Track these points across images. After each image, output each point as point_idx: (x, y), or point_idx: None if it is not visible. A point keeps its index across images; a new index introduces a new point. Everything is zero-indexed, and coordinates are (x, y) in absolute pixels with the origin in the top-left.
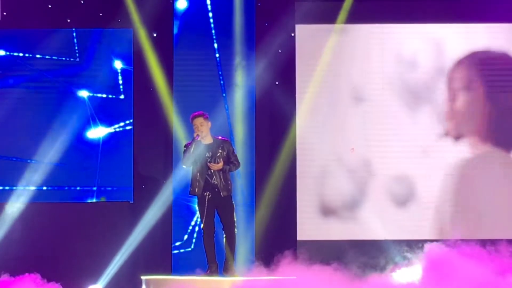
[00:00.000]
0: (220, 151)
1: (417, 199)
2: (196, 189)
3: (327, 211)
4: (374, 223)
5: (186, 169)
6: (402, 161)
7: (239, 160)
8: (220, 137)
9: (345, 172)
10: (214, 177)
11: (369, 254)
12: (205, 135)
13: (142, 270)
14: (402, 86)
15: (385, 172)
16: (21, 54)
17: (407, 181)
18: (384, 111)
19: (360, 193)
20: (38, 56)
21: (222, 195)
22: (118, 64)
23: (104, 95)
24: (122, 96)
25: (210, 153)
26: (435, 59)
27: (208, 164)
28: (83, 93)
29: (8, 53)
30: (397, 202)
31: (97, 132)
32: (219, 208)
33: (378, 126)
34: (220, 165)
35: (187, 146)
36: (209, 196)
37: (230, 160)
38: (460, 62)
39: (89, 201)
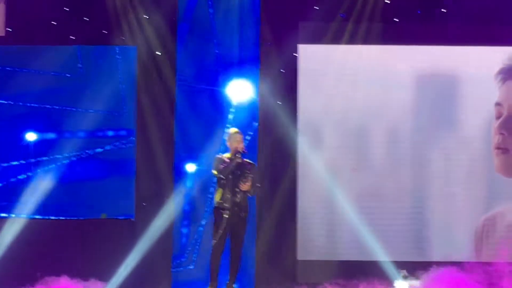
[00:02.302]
0: (247, 172)
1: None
2: (225, 203)
3: (330, 231)
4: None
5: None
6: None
7: None
8: (246, 159)
9: (346, 192)
10: (238, 195)
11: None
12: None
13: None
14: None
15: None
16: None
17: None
18: (389, 130)
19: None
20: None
21: (242, 216)
22: (121, 81)
23: (107, 113)
24: (124, 114)
25: (239, 172)
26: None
27: (241, 182)
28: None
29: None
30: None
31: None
32: (234, 227)
33: (381, 145)
34: (249, 185)
35: (220, 158)
36: (228, 216)
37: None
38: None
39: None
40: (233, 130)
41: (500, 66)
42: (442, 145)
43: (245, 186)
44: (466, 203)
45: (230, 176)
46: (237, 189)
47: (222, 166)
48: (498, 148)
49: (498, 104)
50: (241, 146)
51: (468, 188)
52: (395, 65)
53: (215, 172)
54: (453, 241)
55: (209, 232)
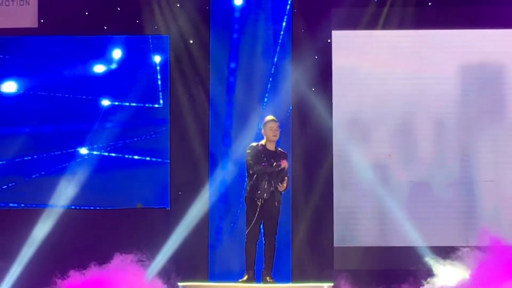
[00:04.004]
0: (282, 167)
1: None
2: (265, 194)
3: (363, 218)
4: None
5: (222, 175)
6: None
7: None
8: (279, 149)
9: (382, 179)
10: (273, 184)
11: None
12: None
13: (179, 276)
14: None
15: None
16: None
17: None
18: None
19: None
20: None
21: (275, 204)
22: (155, 71)
23: (141, 104)
24: (159, 104)
25: (274, 162)
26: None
27: (279, 183)
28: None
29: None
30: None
31: None
32: (267, 216)
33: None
34: (285, 186)
35: (255, 147)
36: (262, 203)
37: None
38: None
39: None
40: (268, 117)
41: None
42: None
43: (282, 187)
44: None
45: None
46: (270, 178)
47: (261, 165)
48: None
49: None
50: (275, 134)
51: None
52: (431, 50)
53: (250, 162)
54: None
55: (244, 220)
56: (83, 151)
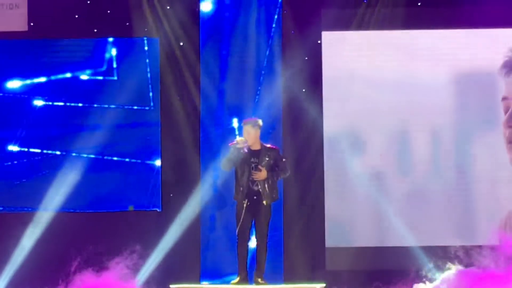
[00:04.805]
0: (266, 159)
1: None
2: (239, 195)
3: (355, 217)
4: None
5: (213, 177)
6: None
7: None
8: (269, 145)
9: (373, 179)
10: (257, 183)
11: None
12: (253, 142)
13: (171, 278)
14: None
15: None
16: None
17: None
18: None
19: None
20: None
21: (265, 203)
22: (145, 73)
23: (132, 107)
24: (150, 106)
25: (257, 160)
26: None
27: (252, 172)
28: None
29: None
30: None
31: None
32: (257, 215)
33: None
34: (263, 174)
35: (233, 146)
36: (248, 204)
37: (278, 168)
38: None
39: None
40: (244, 121)
41: (504, 59)
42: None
43: (258, 174)
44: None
45: (243, 168)
46: (252, 178)
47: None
48: (510, 142)
49: (504, 98)
50: (243, 139)
51: None
52: (420, 49)
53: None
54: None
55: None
56: (73, 154)
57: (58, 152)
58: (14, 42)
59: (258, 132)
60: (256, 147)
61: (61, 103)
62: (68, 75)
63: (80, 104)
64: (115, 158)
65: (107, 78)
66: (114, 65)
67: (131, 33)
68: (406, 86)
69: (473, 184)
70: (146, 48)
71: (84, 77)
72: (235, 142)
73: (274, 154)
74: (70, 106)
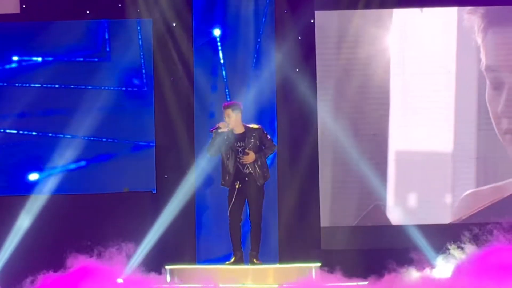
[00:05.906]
0: (252, 140)
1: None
2: (227, 180)
3: (349, 198)
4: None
5: (207, 158)
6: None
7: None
8: (252, 125)
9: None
10: (247, 166)
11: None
12: (234, 126)
13: (166, 259)
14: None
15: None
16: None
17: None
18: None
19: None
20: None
21: (259, 184)
22: (138, 55)
23: (125, 88)
24: (143, 88)
25: (243, 143)
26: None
27: (240, 157)
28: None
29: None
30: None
31: None
32: (249, 196)
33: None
34: (251, 156)
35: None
36: (239, 186)
37: (265, 146)
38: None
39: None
40: (224, 105)
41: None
42: None
43: (246, 158)
44: None
45: (228, 153)
46: (240, 161)
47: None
48: (507, 133)
49: (489, 68)
50: (224, 123)
51: None
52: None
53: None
54: None
55: None
56: (68, 136)
57: (51, 134)
58: (6, 24)
59: (239, 115)
60: (240, 130)
61: (54, 86)
62: (61, 57)
63: (72, 86)
64: (109, 140)
65: (100, 59)
66: (107, 48)
67: (123, 15)
68: (400, 66)
69: None
70: (139, 29)
71: (77, 59)
72: (216, 126)
73: (259, 133)
74: (61, 88)
